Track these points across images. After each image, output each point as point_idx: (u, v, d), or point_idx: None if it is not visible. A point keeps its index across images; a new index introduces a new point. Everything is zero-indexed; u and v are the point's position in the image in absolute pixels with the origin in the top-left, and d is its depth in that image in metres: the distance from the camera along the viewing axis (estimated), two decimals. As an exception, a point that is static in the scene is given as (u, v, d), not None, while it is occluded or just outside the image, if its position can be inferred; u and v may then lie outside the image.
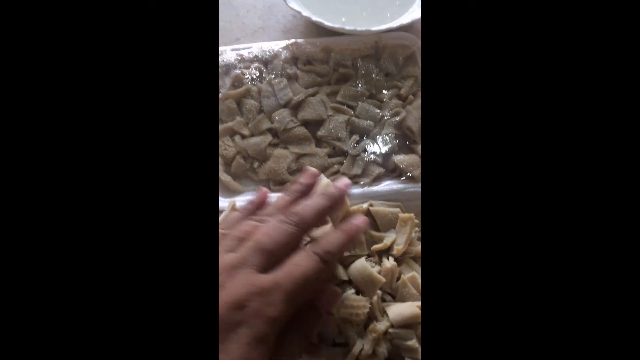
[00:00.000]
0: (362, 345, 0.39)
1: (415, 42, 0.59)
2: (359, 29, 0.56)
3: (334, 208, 0.37)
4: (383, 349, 0.39)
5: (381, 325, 0.39)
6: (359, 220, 0.36)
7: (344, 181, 0.38)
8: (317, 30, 0.60)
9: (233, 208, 0.46)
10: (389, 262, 0.43)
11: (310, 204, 0.35)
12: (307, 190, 0.38)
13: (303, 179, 0.39)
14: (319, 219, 0.36)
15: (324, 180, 0.41)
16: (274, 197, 0.48)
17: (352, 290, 0.41)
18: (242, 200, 0.49)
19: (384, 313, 0.41)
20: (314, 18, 0.57)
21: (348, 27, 0.56)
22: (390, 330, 0.40)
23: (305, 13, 0.57)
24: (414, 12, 0.61)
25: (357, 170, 0.50)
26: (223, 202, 0.49)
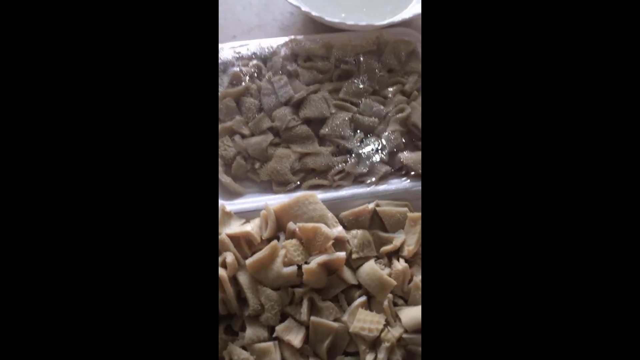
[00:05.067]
0: (374, 355, 0.37)
1: (417, 38, 0.58)
2: (360, 23, 0.54)
3: None
4: (398, 357, 0.37)
5: (395, 332, 0.37)
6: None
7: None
8: (316, 27, 0.58)
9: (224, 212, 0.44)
10: (400, 264, 0.41)
11: None
12: None
13: None
14: None
15: None
16: (276, 199, 0.46)
17: (364, 298, 0.39)
18: (243, 202, 0.47)
19: (396, 318, 0.39)
20: (314, 13, 0.55)
21: (349, 22, 0.54)
22: (404, 335, 0.38)
23: (304, 8, 0.55)
24: (415, 7, 0.59)
25: (363, 168, 0.48)
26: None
